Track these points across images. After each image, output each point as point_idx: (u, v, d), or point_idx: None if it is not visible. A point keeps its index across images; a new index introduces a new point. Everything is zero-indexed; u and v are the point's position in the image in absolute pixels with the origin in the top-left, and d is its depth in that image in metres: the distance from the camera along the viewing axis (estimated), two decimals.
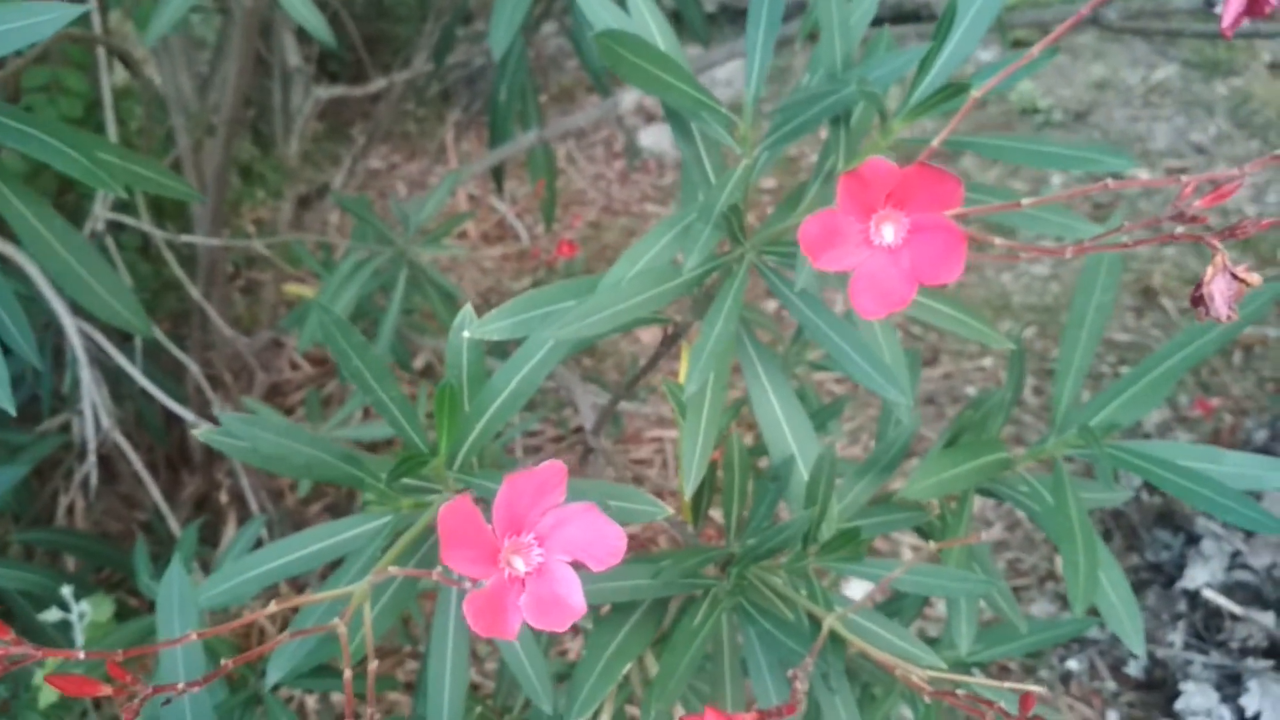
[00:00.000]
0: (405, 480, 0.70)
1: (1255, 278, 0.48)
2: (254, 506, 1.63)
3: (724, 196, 0.64)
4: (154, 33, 1.03)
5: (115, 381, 1.62)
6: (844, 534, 0.69)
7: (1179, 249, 3.17)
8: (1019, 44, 4.26)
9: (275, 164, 2.47)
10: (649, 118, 3.49)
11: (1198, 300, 0.49)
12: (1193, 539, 2.13)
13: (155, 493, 1.43)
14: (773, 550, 0.70)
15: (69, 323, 1.34)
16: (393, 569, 0.55)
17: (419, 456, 0.67)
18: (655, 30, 0.72)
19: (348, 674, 0.51)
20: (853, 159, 0.67)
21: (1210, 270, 0.48)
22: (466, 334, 0.69)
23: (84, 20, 1.60)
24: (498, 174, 1.80)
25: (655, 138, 3.42)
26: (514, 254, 3.10)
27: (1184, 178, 0.54)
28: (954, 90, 0.61)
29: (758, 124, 0.70)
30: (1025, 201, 0.58)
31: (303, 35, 2.50)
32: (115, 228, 1.74)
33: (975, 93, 0.59)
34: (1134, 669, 2.01)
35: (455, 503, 0.47)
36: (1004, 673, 2.01)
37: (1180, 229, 0.49)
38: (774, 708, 0.50)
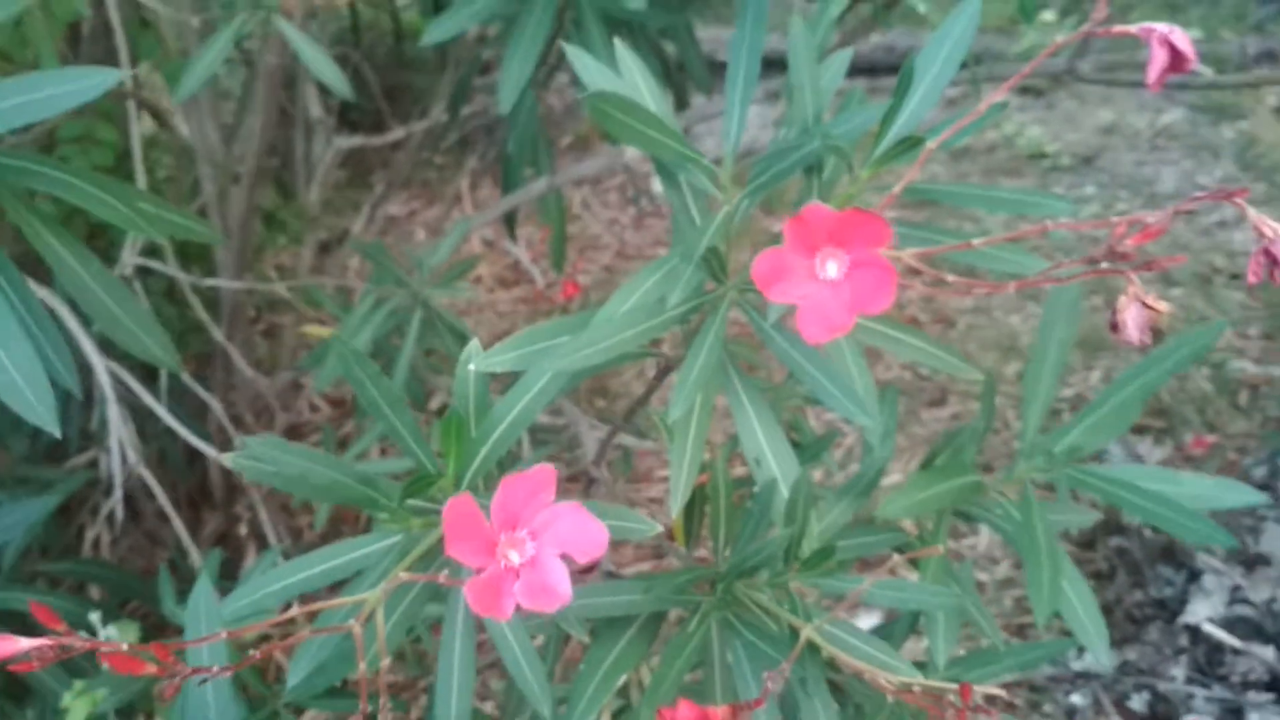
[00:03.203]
0: (415, 501, 0.76)
1: (1163, 305, 0.53)
2: (272, 541, 1.69)
3: (705, 240, 0.70)
4: (185, 91, 1.10)
5: (140, 421, 1.69)
6: (821, 551, 0.74)
7: (1185, 290, 3.22)
8: (1027, 89, 4.34)
9: (297, 211, 2.56)
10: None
11: (1114, 327, 0.54)
12: (1194, 575, 2.16)
13: (179, 526, 1.49)
14: (756, 567, 0.76)
15: (97, 361, 1.41)
16: (404, 574, 0.61)
17: (428, 477, 0.73)
18: (644, 90, 0.78)
19: (362, 667, 0.57)
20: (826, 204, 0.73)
21: (1124, 299, 0.53)
22: (472, 367, 0.76)
23: None
24: (510, 220, 1.87)
25: None
26: (528, 297, 3.18)
27: (1115, 219, 0.59)
28: (911, 143, 0.67)
29: (739, 174, 0.76)
30: (976, 242, 0.64)
31: (324, 87, 2.59)
32: (143, 272, 1.82)
33: (931, 144, 0.65)
34: (1137, 703, 2.04)
35: (457, 500, 0.53)
36: (1009, 707, 2.04)
37: (1105, 264, 0.54)
38: (745, 703, 0.55)
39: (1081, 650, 2.12)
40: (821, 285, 0.52)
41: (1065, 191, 3.75)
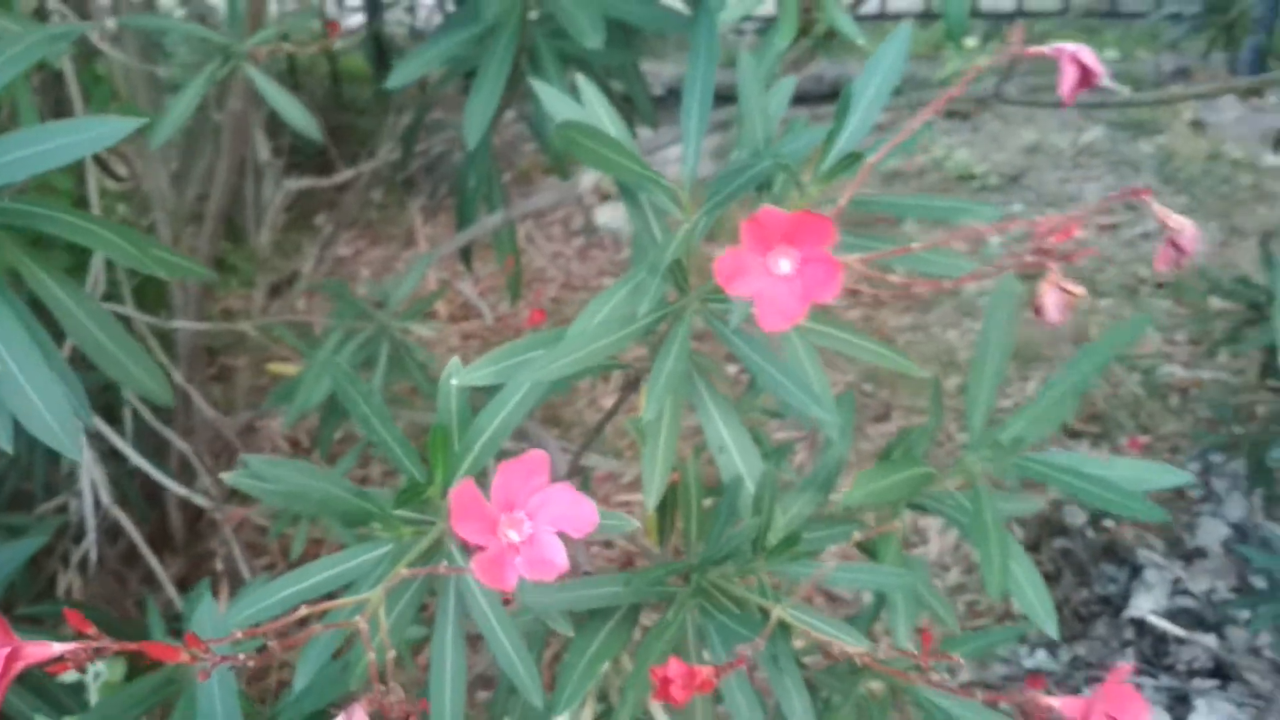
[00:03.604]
0: (405, 511, 0.80)
1: (1079, 289, 0.60)
2: (247, 577, 1.71)
3: (668, 254, 0.76)
4: (159, 138, 1.14)
5: (104, 464, 1.70)
6: (786, 540, 0.80)
7: (1114, 301, 3.35)
8: (953, 113, 4.49)
9: (248, 254, 2.59)
10: (604, 197, 3.65)
11: (1037, 310, 0.61)
12: (1136, 570, 2.25)
13: (155, 565, 1.51)
14: (726, 556, 0.81)
15: None
16: (405, 570, 0.66)
17: (417, 487, 0.78)
18: (606, 118, 0.84)
19: (371, 656, 0.62)
20: None
21: (1044, 286, 0.60)
22: (455, 382, 0.81)
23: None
24: (466, 254, 1.92)
25: (610, 215, 3.57)
26: (479, 332, 3.22)
27: (1040, 219, 0.66)
28: (853, 159, 0.74)
29: (697, 194, 0.83)
30: (915, 245, 0.71)
31: (271, 130, 2.63)
32: None
33: (871, 159, 0.72)
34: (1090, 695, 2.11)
35: (462, 485, 0.59)
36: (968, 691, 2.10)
37: (1030, 258, 0.61)
38: (727, 663, 0.61)
39: (1034, 649, 2.19)
40: (776, 280, 0.59)
41: (993, 210, 3.88)
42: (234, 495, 2.18)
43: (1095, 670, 2.12)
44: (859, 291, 0.66)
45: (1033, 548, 2.47)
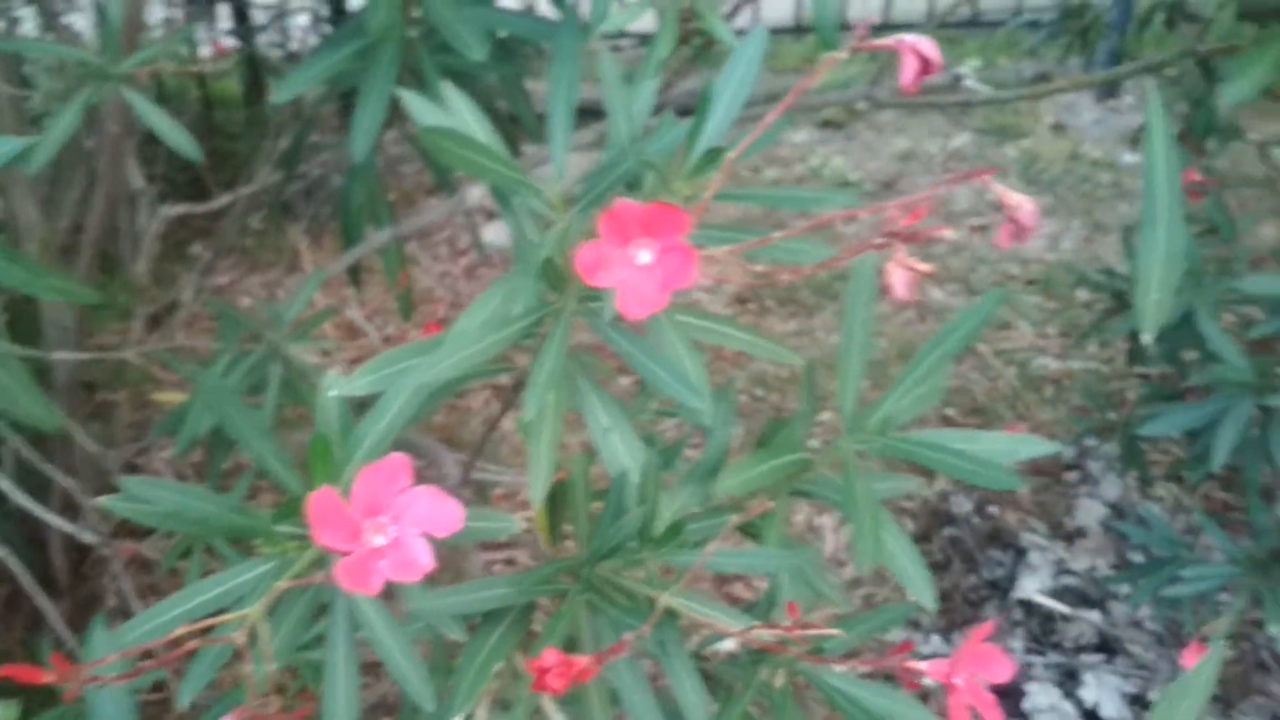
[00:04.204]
0: (287, 526, 0.80)
1: (925, 266, 0.63)
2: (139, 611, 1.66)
3: (542, 254, 0.77)
4: (37, 162, 1.12)
5: None
6: (671, 529, 0.82)
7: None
8: (828, 124, 4.61)
9: (124, 284, 2.51)
10: (490, 215, 3.64)
11: (886, 289, 0.64)
12: (1021, 553, 2.33)
13: (46, 605, 1.46)
14: (613, 550, 0.83)
15: None
16: (282, 584, 0.66)
17: (298, 501, 0.78)
18: (473, 124, 0.85)
19: (249, 669, 0.62)
20: None
21: (891, 265, 0.63)
22: (334, 393, 0.81)
23: None
24: (354, 274, 1.91)
25: (497, 233, 3.57)
26: (368, 354, 3.18)
27: (890, 204, 0.70)
28: (715, 154, 0.76)
29: (569, 195, 0.84)
30: (775, 236, 0.73)
31: (144, 156, 2.56)
32: None
33: (731, 154, 0.75)
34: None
35: (319, 493, 0.60)
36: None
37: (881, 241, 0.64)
38: (607, 649, 0.62)
39: (928, 635, 2.26)
40: (636, 270, 0.61)
41: (871, 215, 3.99)
42: (122, 531, 2.12)
43: None
44: (747, 300, 0.68)
45: (923, 538, 2.55)
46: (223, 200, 2.42)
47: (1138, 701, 2.06)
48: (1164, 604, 1.74)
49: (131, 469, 2.51)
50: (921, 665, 0.68)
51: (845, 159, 4.39)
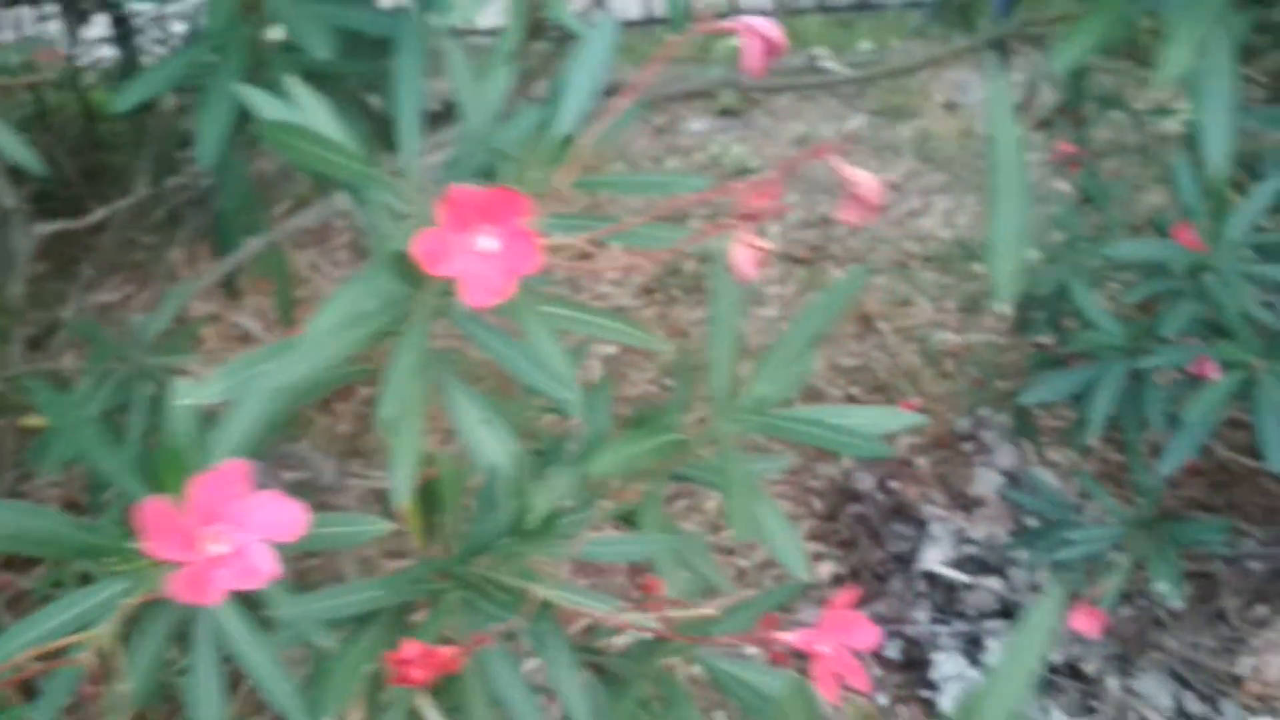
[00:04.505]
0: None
1: (766, 243, 0.63)
2: None
3: (395, 247, 0.75)
4: None
5: None
6: (546, 520, 0.81)
7: (888, 277, 3.52)
8: (726, 111, 4.64)
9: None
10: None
11: (731, 267, 0.64)
12: (922, 525, 2.37)
13: None
14: (486, 545, 0.81)
15: None
16: (129, 601, 0.63)
17: None
18: (324, 121, 0.83)
19: (93, 690, 0.59)
20: None
21: (733, 244, 0.63)
22: (185, 401, 0.78)
23: None
24: (229, 284, 1.86)
25: None
26: None
27: (739, 185, 0.70)
28: (567, 141, 0.75)
29: (423, 187, 0.83)
30: (631, 220, 0.73)
31: (14, 174, 2.47)
32: None
33: (583, 141, 0.74)
34: (892, 651, 2.21)
35: (148, 503, 0.57)
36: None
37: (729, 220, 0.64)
38: (473, 637, 0.61)
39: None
40: (479, 257, 0.60)
41: (771, 201, 4.03)
42: (14, 563, 2.04)
43: (895, 625, 2.23)
44: (654, 290, 0.68)
45: (831, 516, 2.58)
46: (99, 215, 2.35)
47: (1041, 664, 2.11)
48: (1056, 568, 1.79)
49: (15, 495, 2.43)
50: (787, 636, 0.68)
51: (744, 146, 4.42)
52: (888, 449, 0.88)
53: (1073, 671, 2.11)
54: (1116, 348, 1.52)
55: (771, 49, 0.72)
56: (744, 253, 0.63)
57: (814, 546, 2.54)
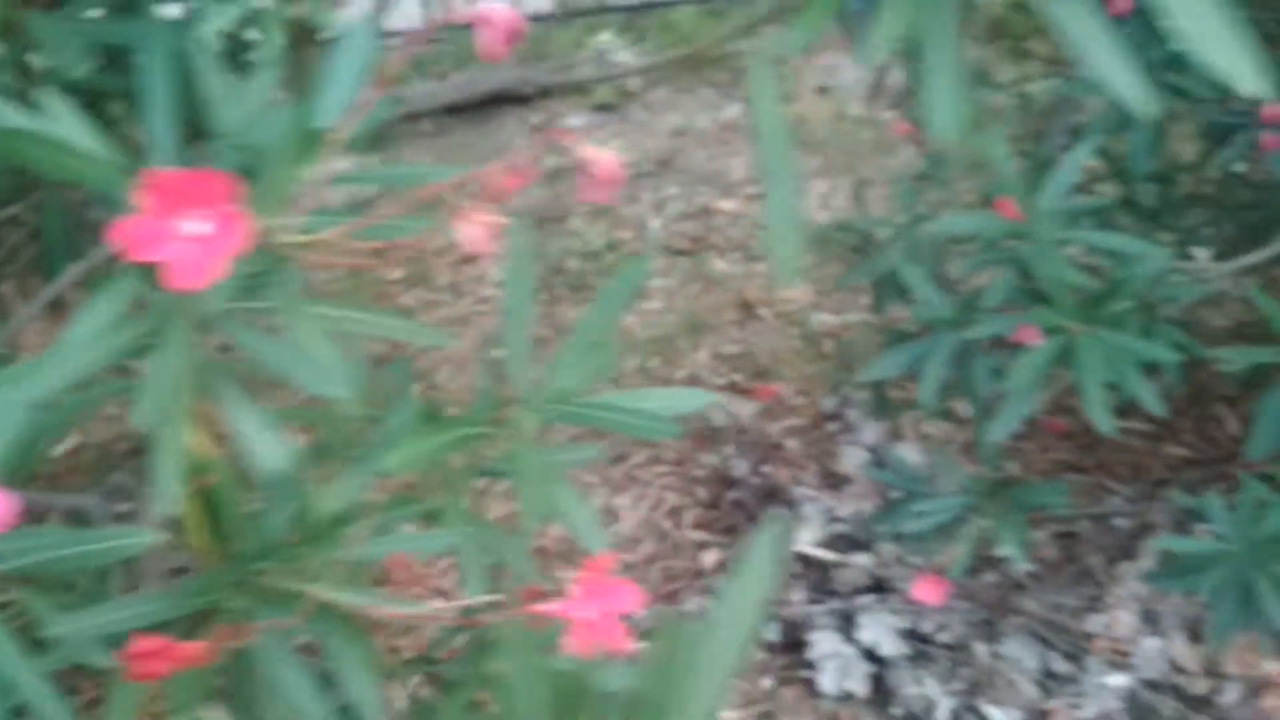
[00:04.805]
0: None
1: (497, 218, 0.64)
2: None
3: None
4: None
5: None
6: (333, 521, 0.81)
7: (768, 264, 3.56)
8: (602, 107, 4.65)
9: None
10: None
11: (461, 244, 0.65)
12: (794, 506, 2.41)
13: None
14: (266, 550, 0.80)
15: None
16: None
17: None
18: (73, 129, 0.81)
19: None
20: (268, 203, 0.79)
21: (461, 223, 0.64)
22: None
23: None
24: (56, 307, 1.81)
25: None
26: None
27: (478, 171, 0.70)
28: (312, 136, 0.75)
29: None
30: (379, 215, 0.73)
31: None
32: None
33: (331, 135, 0.73)
34: (772, 634, 2.24)
35: None
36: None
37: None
38: (224, 636, 0.61)
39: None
40: (185, 241, 0.59)
41: (652, 194, 4.05)
42: None
43: (773, 608, 2.26)
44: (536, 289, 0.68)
45: (713, 505, 2.60)
46: None
47: (912, 635, 2.15)
48: (911, 539, 1.83)
49: None
50: (545, 606, 0.68)
51: (622, 140, 4.44)
52: (675, 430, 0.89)
53: (939, 641, 2.16)
54: (945, 320, 1.56)
55: (511, 36, 0.72)
56: (472, 229, 0.63)
57: (699, 535, 2.56)
